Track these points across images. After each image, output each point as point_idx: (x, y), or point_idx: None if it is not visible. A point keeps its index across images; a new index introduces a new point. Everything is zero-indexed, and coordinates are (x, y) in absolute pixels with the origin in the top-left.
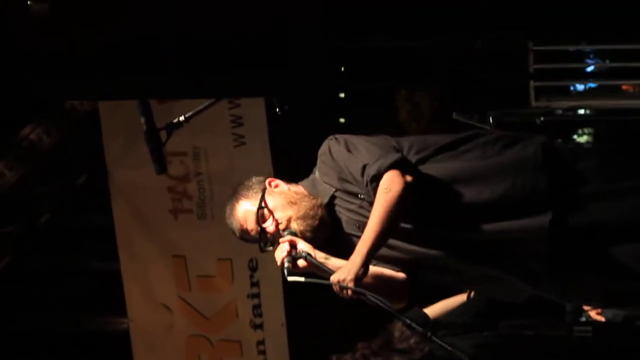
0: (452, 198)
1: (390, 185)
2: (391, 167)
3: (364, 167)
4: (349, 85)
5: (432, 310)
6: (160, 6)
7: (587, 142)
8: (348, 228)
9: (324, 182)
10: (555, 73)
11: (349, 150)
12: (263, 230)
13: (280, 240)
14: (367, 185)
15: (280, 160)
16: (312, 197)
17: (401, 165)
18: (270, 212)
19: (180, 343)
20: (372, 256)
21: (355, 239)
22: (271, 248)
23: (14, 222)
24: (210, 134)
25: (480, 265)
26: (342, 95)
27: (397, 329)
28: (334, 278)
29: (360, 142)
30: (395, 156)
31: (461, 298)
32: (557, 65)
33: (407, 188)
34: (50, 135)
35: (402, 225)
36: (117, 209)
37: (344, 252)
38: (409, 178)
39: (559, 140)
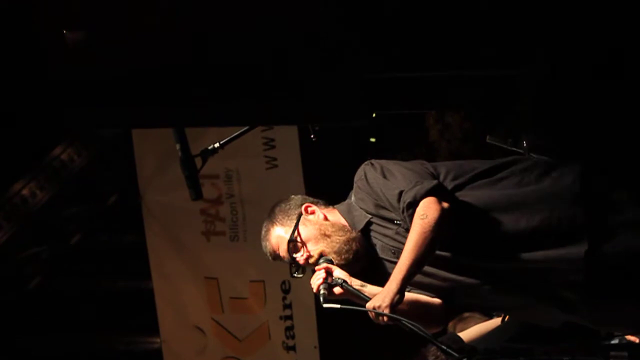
0: (489, 226)
1: (427, 212)
2: (428, 193)
3: (400, 194)
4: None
5: (467, 335)
6: (194, 32)
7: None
8: (383, 254)
9: (360, 207)
10: None
11: (385, 176)
12: (294, 259)
13: (316, 268)
14: (403, 212)
15: (312, 182)
16: (347, 229)
17: (438, 192)
18: (303, 244)
19: None
20: (407, 283)
21: (390, 264)
22: (302, 275)
23: (45, 243)
24: (243, 156)
25: (514, 294)
26: (373, 115)
27: (432, 353)
28: (369, 305)
29: (396, 168)
30: (432, 183)
31: (496, 322)
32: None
33: (443, 215)
34: (81, 156)
35: (438, 252)
36: (150, 230)
37: (380, 277)
38: (445, 205)
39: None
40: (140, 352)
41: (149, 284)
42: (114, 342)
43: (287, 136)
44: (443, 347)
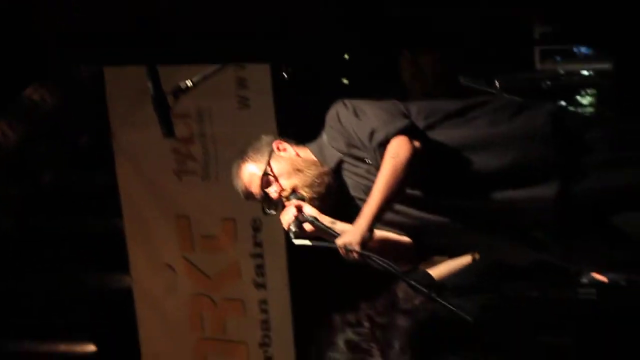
0: (460, 166)
1: (398, 150)
2: (399, 132)
3: (372, 132)
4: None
5: (437, 272)
6: None
7: (593, 106)
8: (355, 192)
9: (332, 146)
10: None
11: (357, 116)
12: (267, 194)
13: (287, 203)
14: (374, 151)
15: (285, 123)
16: (319, 164)
17: (409, 131)
18: (275, 179)
19: (183, 302)
20: (377, 220)
21: (361, 202)
22: (274, 212)
23: (16, 183)
24: (215, 96)
25: (485, 233)
26: (346, 56)
27: (401, 289)
28: (339, 241)
29: (368, 107)
30: (404, 122)
31: (466, 260)
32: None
33: (414, 154)
34: (53, 95)
35: (409, 191)
36: (121, 168)
37: (351, 215)
38: (416, 144)
39: (565, 105)
40: (110, 291)
41: (120, 223)
42: (84, 282)
43: (260, 76)
44: (412, 282)
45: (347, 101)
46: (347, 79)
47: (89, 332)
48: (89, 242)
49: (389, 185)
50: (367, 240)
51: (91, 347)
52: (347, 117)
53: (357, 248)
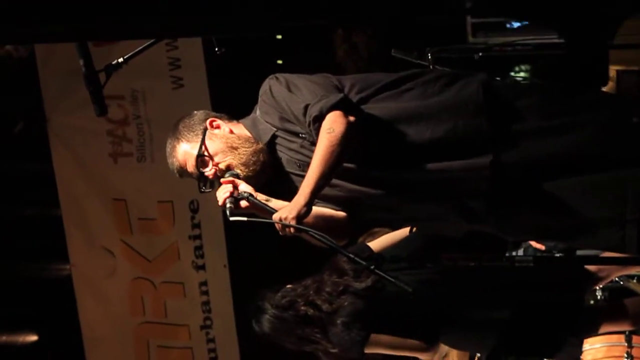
0: (394, 138)
1: (333, 125)
2: (334, 107)
3: (306, 107)
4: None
5: (376, 244)
6: None
7: (525, 79)
8: (289, 167)
9: (265, 121)
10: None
11: (290, 90)
12: (202, 174)
13: (222, 180)
14: (309, 126)
15: (219, 103)
16: (253, 141)
17: (344, 106)
18: (211, 158)
19: (123, 286)
20: (315, 196)
21: (296, 177)
22: (210, 190)
23: None
24: (148, 77)
25: (421, 204)
26: (279, 37)
27: (342, 262)
28: (276, 216)
29: (301, 82)
30: (338, 96)
31: (404, 232)
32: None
33: (349, 128)
34: None
35: (345, 164)
36: (56, 154)
37: (285, 190)
38: (351, 118)
39: (498, 78)
40: (50, 279)
41: (58, 211)
42: (23, 270)
43: (193, 56)
44: (350, 255)
45: (279, 75)
46: (280, 59)
47: (30, 321)
48: (27, 231)
49: (325, 161)
50: (304, 216)
51: (33, 337)
52: (280, 92)
53: (293, 223)
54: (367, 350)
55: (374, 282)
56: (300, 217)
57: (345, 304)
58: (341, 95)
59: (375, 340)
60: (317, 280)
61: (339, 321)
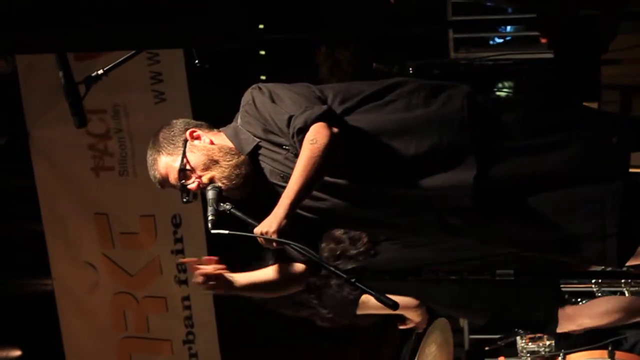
0: (378, 152)
1: (317, 137)
2: (318, 119)
3: (290, 119)
4: (269, 39)
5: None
6: None
7: (509, 94)
8: (272, 178)
9: (247, 130)
10: (474, 25)
11: (273, 101)
12: (185, 186)
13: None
14: (293, 137)
15: (201, 117)
16: (235, 152)
17: (328, 117)
18: (193, 171)
19: (105, 301)
20: (295, 208)
21: (279, 188)
22: (193, 201)
23: None
24: (130, 90)
25: (403, 218)
26: (262, 52)
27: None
28: (257, 230)
29: (284, 92)
30: (322, 108)
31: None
32: (475, 17)
33: (333, 140)
34: None
35: (327, 178)
36: (38, 168)
37: (268, 201)
38: (335, 130)
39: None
40: (32, 294)
41: (40, 226)
42: (4, 286)
43: (175, 70)
44: (332, 268)
45: (262, 86)
46: (264, 75)
47: (13, 336)
48: (9, 247)
49: (306, 173)
50: (284, 228)
51: (16, 352)
52: (264, 103)
53: (274, 236)
54: (358, 312)
55: (368, 249)
56: (281, 230)
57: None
58: (325, 107)
59: (366, 301)
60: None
61: (332, 282)
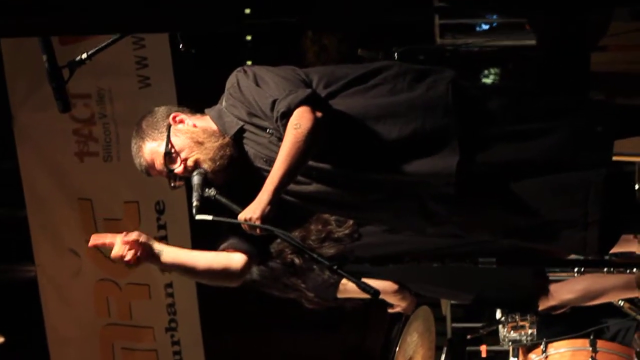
0: (361, 135)
1: (300, 121)
2: (302, 103)
3: (273, 102)
4: (255, 24)
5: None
6: None
7: (495, 81)
8: (256, 162)
9: (232, 113)
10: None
11: (257, 84)
12: (171, 171)
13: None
14: (277, 121)
15: (186, 102)
16: (219, 134)
17: (312, 101)
18: (178, 154)
19: (88, 287)
20: (279, 193)
21: (264, 172)
22: (182, 184)
23: None
24: (115, 75)
25: (386, 204)
26: (248, 37)
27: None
28: (241, 216)
29: (269, 76)
30: (306, 92)
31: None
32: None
33: (317, 124)
34: None
35: (311, 162)
36: (22, 153)
37: (252, 184)
38: (319, 114)
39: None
40: (16, 280)
41: (23, 212)
42: None
43: (160, 55)
44: (315, 256)
45: (247, 68)
46: (250, 60)
47: None
48: None
49: (290, 158)
50: (268, 214)
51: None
52: (248, 86)
53: (258, 222)
54: (339, 295)
55: (352, 231)
56: (264, 216)
57: (324, 250)
58: (309, 90)
59: (345, 284)
60: (303, 231)
61: (315, 266)
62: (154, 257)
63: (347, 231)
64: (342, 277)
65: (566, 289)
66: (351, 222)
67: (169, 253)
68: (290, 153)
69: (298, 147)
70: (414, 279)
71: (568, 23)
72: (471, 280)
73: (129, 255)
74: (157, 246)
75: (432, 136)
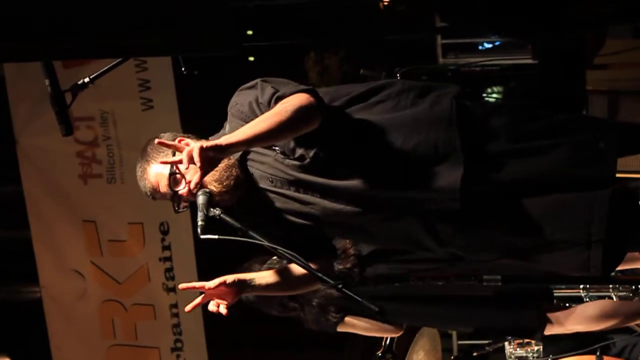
0: (365, 153)
1: (292, 100)
2: (300, 91)
3: (273, 94)
4: (257, 46)
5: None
6: None
7: (497, 99)
8: (262, 183)
9: None
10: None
11: (259, 89)
12: (176, 193)
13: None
14: (269, 104)
15: (189, 124)
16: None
17: (311, 91)
18: (182, 176)
19: (93, 308)
20: (247, 144)
21: (270, 194)
22: (187, 208)
23: None
24: (118, 98)
25: (389, 224)
26: (251, 58)
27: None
28: (197, 143)
29: (272, 79)
30: (307, 87)
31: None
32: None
33: (310, 105)
34: None
35: (315, 180)
36: (26, 175)
37: (259, 207)
38: (313, 100)
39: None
40: (20, 301)
41: (28, 233)
42: None
43: (163, 77)
44: (319, 274)
45: (248, 84)
46: (252, 81)
47: (1, 343)
48: None
49: (272, 115)
50: (225, 148)
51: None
52: (248, 94)
53: (196, 151)
54: (340, 329)
55: (352, 266)
56: (221, 148)
57: (322, 287)
58: (311, 87)
59: (350, 322)
60: None
61: (314, 302)
62: (250, 287)
63: (343, 269)
64: (346, 295)
65: (575, 318)
66: (350, 260)
67: (260, 279)
68: (272, 116)
69: (281, 114)
70: (418, 319)
71: (565, 41)
72: (475, 309)
73: (223, 310)
74: (245, 276)
75: (436, 150)
